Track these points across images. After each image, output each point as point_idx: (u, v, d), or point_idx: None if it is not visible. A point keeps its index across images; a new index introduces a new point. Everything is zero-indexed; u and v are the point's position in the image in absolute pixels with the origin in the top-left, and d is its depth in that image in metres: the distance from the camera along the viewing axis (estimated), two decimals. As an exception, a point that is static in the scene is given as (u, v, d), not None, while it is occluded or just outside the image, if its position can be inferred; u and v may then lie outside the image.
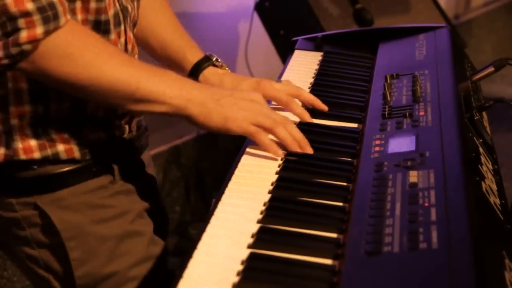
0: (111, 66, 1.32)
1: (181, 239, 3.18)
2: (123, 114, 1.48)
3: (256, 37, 3.39)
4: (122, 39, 1.46)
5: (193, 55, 1.63)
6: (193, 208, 3.39)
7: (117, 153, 1.48)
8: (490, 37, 5.35)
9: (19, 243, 1.44)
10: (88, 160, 1.43)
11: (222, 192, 1.28)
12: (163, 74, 1.37)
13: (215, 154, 3.42)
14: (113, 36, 1.42)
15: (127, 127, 1.50)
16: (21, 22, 1.23)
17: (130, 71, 1.33)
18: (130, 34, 1.48)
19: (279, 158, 1.39)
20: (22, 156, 1.38)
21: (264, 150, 1.38)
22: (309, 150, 1.40)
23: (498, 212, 1.25)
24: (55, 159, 1.40)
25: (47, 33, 1.25)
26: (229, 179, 1.32)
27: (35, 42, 1.25)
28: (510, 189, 1.48)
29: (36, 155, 1.38)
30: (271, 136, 1.40)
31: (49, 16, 1.25)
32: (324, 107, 1.59)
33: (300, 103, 1.58)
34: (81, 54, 1.29)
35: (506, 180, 1.45)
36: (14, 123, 1.37)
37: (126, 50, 1.47)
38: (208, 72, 1.61)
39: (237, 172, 1.35)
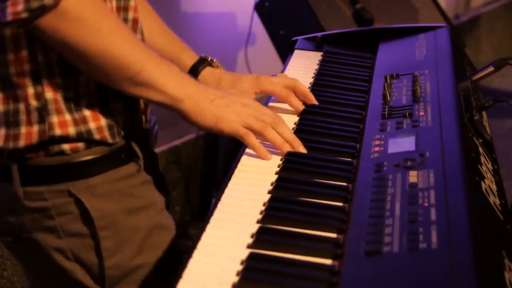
0: (120, 43, 1.33)
1: (181, 238, 3.18)
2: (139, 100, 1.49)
3: (256, 37, 3.40)
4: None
5: (188, 57, 1.65)
6: (193, 208, 3.39)
7: (139, 141, 1.49)
8: (490, 37, 5.35)
9: (45, 233, 1.43)
10: (117, 145, 1.44)
11: (222, 192, 1.28)
12: (168, 65, 1.39)
13: (215, 154, 3.43)
14: (133, 2, 1.44)
15: (143, 116, 1.51)
16: None
17: (137, 52, 1.35)
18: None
19: (279, 158, 1.39)
20: (58, 131, 1.37)
21: (255, 152, 1.40)
22: (302, 150, 1.41)
23: (498, 212, 1.25)
24: (89, 137, 1.40)
25: None
26: (229, 179, 1.32)
27: None
28: (509, 189, 1.48)
29: (71, 130, 1.38)
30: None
31: None
32: (315, 101, 1.62)
33: (301, 93, 1.62)
34: (94, 22, 1.31)
35: (505, 180, 1.45)
36: (48, 96, 1.37)
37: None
38: (206, 73, 1.64)
39: (237, 172, 1.35)
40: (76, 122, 1.39)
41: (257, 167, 1.37)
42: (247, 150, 1.41)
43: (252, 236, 1.15)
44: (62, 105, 1.38)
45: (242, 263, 1.08)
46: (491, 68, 1.66)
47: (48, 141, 1.38)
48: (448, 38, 1.84)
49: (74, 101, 1.39)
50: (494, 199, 1.27)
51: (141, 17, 1.50)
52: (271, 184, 1.31)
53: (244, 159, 1.40)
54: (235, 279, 1.05)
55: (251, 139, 1.39)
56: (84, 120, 1.40)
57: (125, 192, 1.45)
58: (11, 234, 1.48)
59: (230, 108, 1.40)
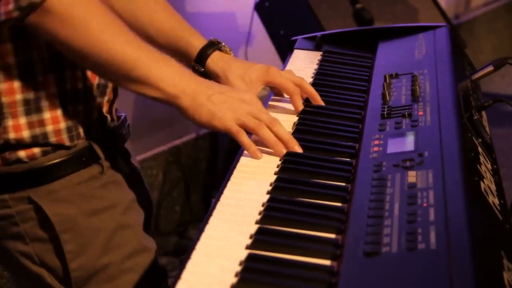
0: (113, 39, 1.33)
1: (181, 239, 3.18)
2: (102, 98, 1.48)
3: (256, 37, 3.39)
4: None
5: (197, 41, 1.63)
6: (193, 208, 3.39)
7: (103, 141, 1.48)
8: (490, 37, 5.35)
9: (12, 239, 1.44)
10: (76, 148, 1.43)
11: (221, 193, 1.28)
12: (164, 60, 1.38)
13: (215, 154, 3.42)
14: None
15: (108, 115, 1.51)
16: None
17: (131, 48, 1.34)
18: None
19: (278, 159, 1.39)
20: (12, 135, 1.37)
21: (246, 150, 1.39)
22: (298, 150, 1.41)
23: (497, 212, 1.24)
24: (44, 141, 1.39)
25: None
26: (228, 179, 1.32)
27: None
28: (509, 189, 1.47)
29: (25, 134, 1.38)
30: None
31: None
32: (321, 103, 1.61)
33: (305, 93, 1.61)
34: (83, 20, 1.30)
35: (505, 180, 1.44)
36: (5, 100, 1.37)
37: None
38: (216, 57, 1.61)
39: (236, 172, 1.35)
40: (31, 125, 1.38)
41: (256, 168, 1.37)
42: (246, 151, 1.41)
43: (250, 237, 1.15)
44: (18, 108, 1.37)
45: (240, 263, 1.08)
46: (491, 68, 1.66)
47: (4, 147, 1.38)
48: (447, 38, 1.83)
49: (32, 103, 1.38)
50: (493, 199, 1.27)
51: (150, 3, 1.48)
52: (270, 185, 1.31)
53: (244, 160, 1.39)
54: (234, 280, 1.05)
55: (242, 137, 1.38)
56: (41, 123, 1.39)
57: (86, 195, 1.44)
58: None
59: (226, 104, 1.38)
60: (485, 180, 1.29)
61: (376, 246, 1.06)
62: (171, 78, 1.37)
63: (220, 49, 1.63)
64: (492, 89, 4.23)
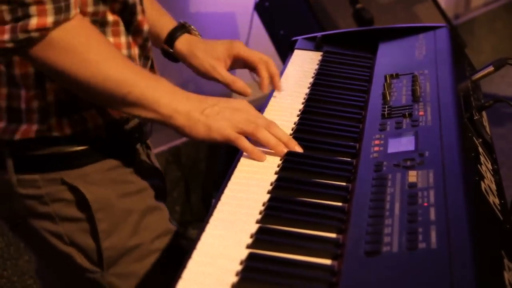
0: (108, 67, 1.34)
1: (181, 239, 3.18)
2: None
3: (256, 37, 3.39)
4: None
5: (167, 23, 1.67)
6: (193, 208, 3.39)
7: (132, 134, 1.51)
8: (490, 37, 5.35)
9: (40, 219, 1.46)
10: (110, 139, 1.46)
11: (222, 192, 1.28)
12: (156, 81, 1.40)
13: (215, 154, 3.42)
14: (140, 16, 1.46)
15: None
16: (33, 9, 1.24)
17: (125, 74, 1.36)
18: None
19: (278, 158, 1.39)
20: (55, 133, 1.40)
21: (249, 155, 1.40)
22: (298, 150, 1.41)
23: (498, 212, 1.24)
24: (84, 137, 1.42)
25: (57, 23, 1.27)
26: (228, 179, 1.32)
27: (44, 30, 1.26)
28: (509, 189, 1.47)
29: (68, 131, 1.41)
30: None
31: (61, 7, 1.26)
32: (279, 86, 1.67)
33: (269, 69, 1.66)
34: (82, 51, 1.32)
35: (505, 180, 1.45)
36: (50, 99, 1.39)
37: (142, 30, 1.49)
38: (184, 39, 1.66)
39: (236, 172, 1.35)
40: (74, 124, 1.41)
41: (257, 167, 1.37)
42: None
43: (251, 236, 1.15)
44: (62, 108, 1.40)
45: (241, 263, 1.08)
46: (491, 68, 1.66)
47: (45, 138, 1.41)
48: (447, 38, 1.84)
49: (74, 103, 1.41)
50: (493, 199, 1.27)
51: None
52: (271, 184, 1.31)
53: (244, 160, 1.40)
54: (235, 279, 1.05)
55: (243, 142, 1.39)
56: (83, 121, 1.42)
57: (116, 180, 1.47)
58: (7, 220, 1.52)
59: (220, 115, 1.40)
60: (485, 180, 1.29)
61: (376, 245, 1.06)
62: (164, 98, 1.38)
63: (189, 32, 1.67)
64: (492, 89, 4.23)
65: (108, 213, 1.45)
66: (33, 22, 1.24)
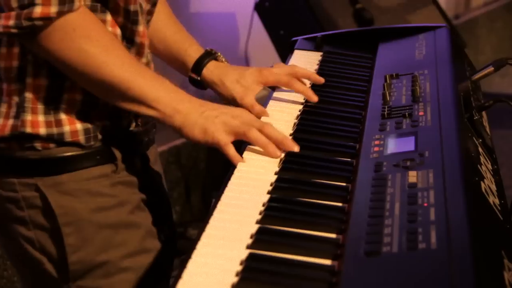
0: (109, 61, 1.36)
1: (181, 239, 3.18)
2: None
3: (256, 37, 3.40)
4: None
5: (194, 50, 1.67)
6: (193, 208, 3.39)
7: (122, 144, 1.49)
8: (490, 37, 5.35)
9: (16, 223, 1.45)
10: (92, 147, 1.45)
11: (221, 193, 1.28)
12: (159, 80, 1.41)
13: (215, 154, 3.42)
14: (141, 27, 1.46)
15: (133, 120, 1.52)
16: None
17: (126, 70, 1.37)
18: (145, 30, 1.50)
19: (278, 159, 1.39)
20: (28, 129, 1.40)
21: (232, 162, 1.39)
22: (296, 149, 1.41)
23: (497, 212, 1.24)
24: (60, 139, 1.41)
25: (60, 13, 1.31)
26: (228, 179, 1.32)
27: (47, 20, 1.30)
28: (509, 189, 1.47)
29: (42, 131, 1.40)
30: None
31: None
32: (321, 80, 1.68)
33: (302, 75, 1.67)
34: (83, 43, 1.34)
35: (505, 180, 1.44)
36: (28, 95, 1.39)
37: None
38: (212, 66, 1.66)
39: (236, 172, 1.35)
40: (49, 124, 1.41)
41: (257, 167, 1.37)
42: (247, 151, 1.41)
43: (251, 237, 1.15)
44: (40, 106, 1.40)
45: (241, 263, 1.08)
46: (491, 68, 1.66)
47: (19, 136, 1.40)
48: (447, 38, 1.84)
49: (54, 103, 1.41)
50: (493, 199, 1.27)
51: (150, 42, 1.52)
52: (271, 185, 1.31)
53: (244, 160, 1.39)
54: (235, 279, 1.05)
55: (229, 149, 1.39)
56: (59, 123, 1.41)
57: (92, 191, 1.45)
58: None
59: (218, 118, 1.40)
60: (485, 180, 1.29)
61: (376, 245, 1.06)
62: (164, 97, 1.39)
63: (216, 59, 1.67)
64: (492, 89, 4.23)
65: (77, 227, 1.44)
66: (37, 10, 1.29)
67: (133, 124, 1.52)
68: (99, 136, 1.45)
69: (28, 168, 1.43)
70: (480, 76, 1.68)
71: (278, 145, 1.40)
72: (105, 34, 1.38)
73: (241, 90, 1.62)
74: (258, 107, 1.59)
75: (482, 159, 1.38)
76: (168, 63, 1.70)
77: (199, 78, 1.65)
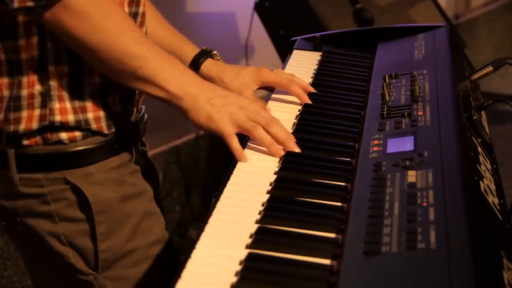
0: (123, 38, 1.37)
1: (181, 239, 3.19)
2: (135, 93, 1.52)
3: (256, 37, 3.40)
4: None
5: (190, 49, 1.69)
6: (193, 208, 3.39)
7: (130, 131, 1.52)
8: (490, 37, 5.35)
9: (39, 218, 1.46)
10: (111, 136, 1.47)
11: (221, 193, 1.28)
12: (170, 61, 1.42)
13: (215, 154, 3.43)
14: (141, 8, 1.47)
15: (135, 108, 1.54)
16: None
17: (139, 48, 1.38)
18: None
19: (278, 158, 1.39)
20: (58, 117, 1.41)
21: (234, 155, 1.40)
22: (297, 150, 1.41)
23: (497, 211, 1.24)
24: (86, 126, 1.43)
25: None
26: (227, 179, 1.33)
27: None
28: (509, 189, 1.48)
29: (70, 118, 1.42)
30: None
31: None
32: (313, 90, 1.67)
33: (299, 84, 1.66)
34: (98, 18, 1.34)
35: (505, 180, 1.45)
36: (53, 83, 1.40)
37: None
38: (209, 64, 1.67)
39: (235, 172, 1.35)
40: (75, 111, 1.42)
41: (256, 167, 1.37)
42: (246, 150, 1.41)
43: (250, 236, 1.15)
44: (64, 93, 1.41)
45: (241, 263, 1.08)
46: (490, 68, 1.66)
47: (47, 127, 1.41)
48: (447, 38, 1.84)
49: (77, 90, 1.42)
50: (493, 199, 1.27)
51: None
52: (270, 184, 1.31)
53: (243, 159, 1.40)
54: (234, 279, 1.05)
55: (232, 141, 1.40)
56: (83, 109, 1.43)
57: (119, 180, 1.48)
58: (5, 218, 1.51)
59: (225, 108, 1.41)
60: (484, 180, 1.29)
61: (376, 245, 1.06)
62: (176, 79, 1.40)
63: (212, 57, 1.69)
64: (491, 89, 4.23)
65: (108, 215, 1.46)
66: None
67: (135, 112, 1.53)
68: (116, 124, 1.47)
69: (56, 162, 1.44)
70: (479, 76, 1.68)
71: (280, 145, 1.41)
72: (120, 11, 1.38)
73: (239, 86, 1.64)
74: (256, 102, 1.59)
75: (481, 158, 1.38)
76: None
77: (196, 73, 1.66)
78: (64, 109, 1.41)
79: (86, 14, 1.33)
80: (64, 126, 1.42)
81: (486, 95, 1.77)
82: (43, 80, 1.40)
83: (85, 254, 1.47)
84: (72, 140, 1.43)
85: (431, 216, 1.10)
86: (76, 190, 1.44)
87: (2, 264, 2.65)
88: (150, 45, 1.40)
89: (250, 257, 1.10)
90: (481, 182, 1.26)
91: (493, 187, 1.33)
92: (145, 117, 1.61)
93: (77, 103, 1.42)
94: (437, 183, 1.18)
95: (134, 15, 1.47)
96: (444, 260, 1.00)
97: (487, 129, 1.57)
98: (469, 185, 1.21)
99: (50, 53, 1.39)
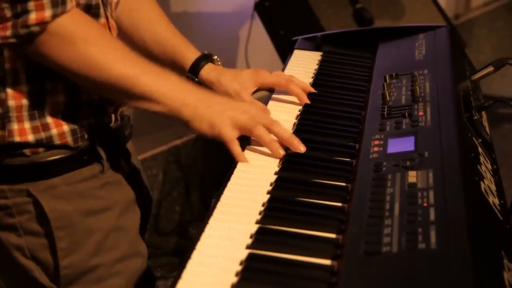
0: (110, 60, 1.36)
1: (181, 239, 3.19)
2: (112, 102, 1.50)
3: (256, 37, 3.39)
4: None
5: (191, 52, 1.68)
6: (193, 208, 3.39)
7: (106, 141, 1.49)
8: (490, 37, 5.35)
9: (5, 230, 1.44)
10: (79, 147, 1.44)
11: (221, 193, 1.28)
12: (164, 74, 1.41)
13: (215, 154, 3.42)
14: (102, 20, 1.44)
15: (113, 115, 1.52)
16: (31, 4, 1.28)
17: (129, 67, 1.37)
18: (112, 22, 1.50)
19: (278, 159, 1.39)
20: (17, 138, 1.39)
21: (236, 159, 1.39)
22: (300, 149, 1.41)
23: (497, 212, 1.24)
24: (48, 143, 1.41)
25: (55, 16, 1.30)
26: (227, 179, 1.32)
27: (43, 24, 1.30)
28: (509, 189, 1.47)
29: (30, 138, 1.39)
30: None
31: (58, 0, 1.30)
32: (313, 90, 1.66)
33: (298, 85, 1.65)
34: (82, 44, 1.34)
35: (505, 180, 1.44)
36: (11, 104, 1.38)
37: None
38: (208, 68, 1.66)
39: (236, 172, 1.35)
40: (36, 130, 1.40)
41: (257, 168, 1.37)
42: (247, 150, 1.41)
43: (251, 237, 1.15)
44: (24, 113, 1.39)
45: (241, 263, 1.08)
46: (491, 68, 1.66)
47: (8, 146, 1.39)
48: (447, 38, 1.84)
49: (38, 108, 1.40)
50: (493, 199, 1.27)
51: (142, 7, 1.51)
52: (270, 185, 1.31)
53: (244, 159, 1.40)
54: (234, 279, 1.05)
55: (234, 146, 1.39)
56: (46, 127, 1.41)
57: (84, 194, 1.45)
58: None
59: (226, 113, 1.40)
60: (485, 180, 1.29)
61: (376, 245, 1.06)
62: (171, 91, 1.39)
63: (212, 62, 1.68)
64: (492, 89, 4.23)
65: (69, 231, 1.43)
66: (32, 17, 1.29)
67: (113, 120, 1.51)
68: (85, 136, 1.45)
69: (19, 174, 1.42)
70: (480, 76, 1.68)
71: (285, 143, 1.41)
72: (102, 33, 1.38)
73: (237, 88, 1.63)
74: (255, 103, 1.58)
75: (481, 159, 1.38)
76: (161, 63, 1.68)
77: (196, 79, 1.66)
78: (23, 130, 1.39)
79: (70, 43, 1.32)
80: (25, 145, 1.40)
81: (486, 95, 1.77)
82: (1, 101, 1.38)
83: (47, 269, 1.45)
84: (35, 153, 1.41)
85: (432, 216, 1.10)
86: (37, 203, 1.42)
87: (2, 264, 2.65)
88: (138, 62, 1.39)
89: (250, 257, 1.10)
90: (481, 182, 1.26)
91: (493, 187, 1.33)
92: (129, 124, 1.59)
93: (38, 122, 1.40)
94: (437, 183, 1.18)
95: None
96: (444, 261, 1.00)
97: (487, 129, 1.57)
98: (469, 185, 1.21)
99: (8, 74, 1.37)
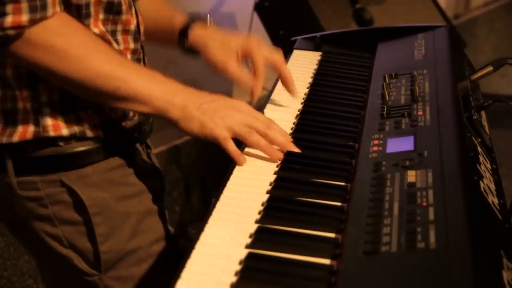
0: (94, 62, 1.34)
1: (181, 239, 3.18)
2: None
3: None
4: (135, 21, 1.48)
5: (182, 16, 1.65)
6: (193, 208, 3.39)
7: (130, 134, 1.51)
8: (490, 37, 5.35)
9: (40, 221, 1.45)
10: (109, 138, 1.45)
11: (221, 192, 1.28)
12: (149, 74, 1.39)
13: (215, 154, 3.42)
14: (124, 16, 1.44)
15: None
16: (9, 7, 1.27)
17: (113, 69, 1.35)
18: (140, 18, 1.50)
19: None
20: (51, 133, 1.40)
21: (233, 159, 1.38)
22: (295, 150, 1.40)
23: (497, 211, 1.25)
24: (82, 136, 1.42)
25: (33, 21, 1.29)
26: (227, 179, 1.32)
27: (19, 28, 1.28)
28: (508, 188, 1.47)
29: (64, 132, 1.41)
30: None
31: (37, 6, 1.28)
32: (293, 91, 1.62)
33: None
34: (64, 47, 1.32)
35: (504, 180, 1.44)
36: (44, 99, 1.39)
37: (138, 32, 1.49)
38: (199, 28, 1.63)
39: (235, 172, 1.35)
40: (69, 124, 1.41)
41: (256, 167, 1.37)
42: (246, 150, 1.41)
43: (250, 236, 1.15)
44: (57, 108, 1.40)
45: (240, 263, 1.09)
46: (490, 68, 1.66)
47: (43, 139, 1.40)
48: (446, 38, 1.84)
49: (70, 103, 1.40)
50: (492, 199, 1.27)
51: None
52: (270, 184, 1.31)
53: (243, 159, 1.40)
54: (234, 279, 1.05)
55: (229, 145, 1.38)
56: (79, 121, 1.42)
57: (115, 181, 1.47)
58: (7, 223, 1.52)
59: (217, 113, 1.38)
60: (484, 180, 1.30)
61: (375, 245, 1.06)
62: (158, 91, 1.37)
63: (203, 22, 1.65)
64: (491, 89, 4.23)
65: (106, 216, 1.45)
66: (8, 20, 1.27)
67: (134, 115, 1.52)
68: (114, 128, 1.46)
69: (51, 164, 1.43)
70: (479, 76, 1.68)
71: (281, 149, 1.40)
72: (86, 35, 1.36)
73: (220, 52, 1.60)
74: (244, 76, 1.57)
75: (481, 158, 1.38)
76: (157, 41, 1.66)
77: (186, 41, 1.63)
78: (56, 125, 1.40)
79: (51, 47, 1.31)
80: (59, 139, 1.41)
81: (486, 95, 1.77)
82: (34, 97, 1.38)
83: (87, 256, 1.46)
84: (67, 143, 1.42)
85: (431, 216, 1.10)
86: (72, 192, 1.43)
87: (2, 264, 2.65)
88: (123, 62, 1.38)
89: (250, 256, 1.10)
90: (481, 182, 1.27)
91: (493, 187, 1.33)
92: (150, 119, 1.59)
93: (71, 116, 1.41)
94: (436, 183, 1.18)
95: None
96: (443, 260, 1.00)
97: (487, 129, 1.57)
98: (469, 185, 1.21)
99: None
